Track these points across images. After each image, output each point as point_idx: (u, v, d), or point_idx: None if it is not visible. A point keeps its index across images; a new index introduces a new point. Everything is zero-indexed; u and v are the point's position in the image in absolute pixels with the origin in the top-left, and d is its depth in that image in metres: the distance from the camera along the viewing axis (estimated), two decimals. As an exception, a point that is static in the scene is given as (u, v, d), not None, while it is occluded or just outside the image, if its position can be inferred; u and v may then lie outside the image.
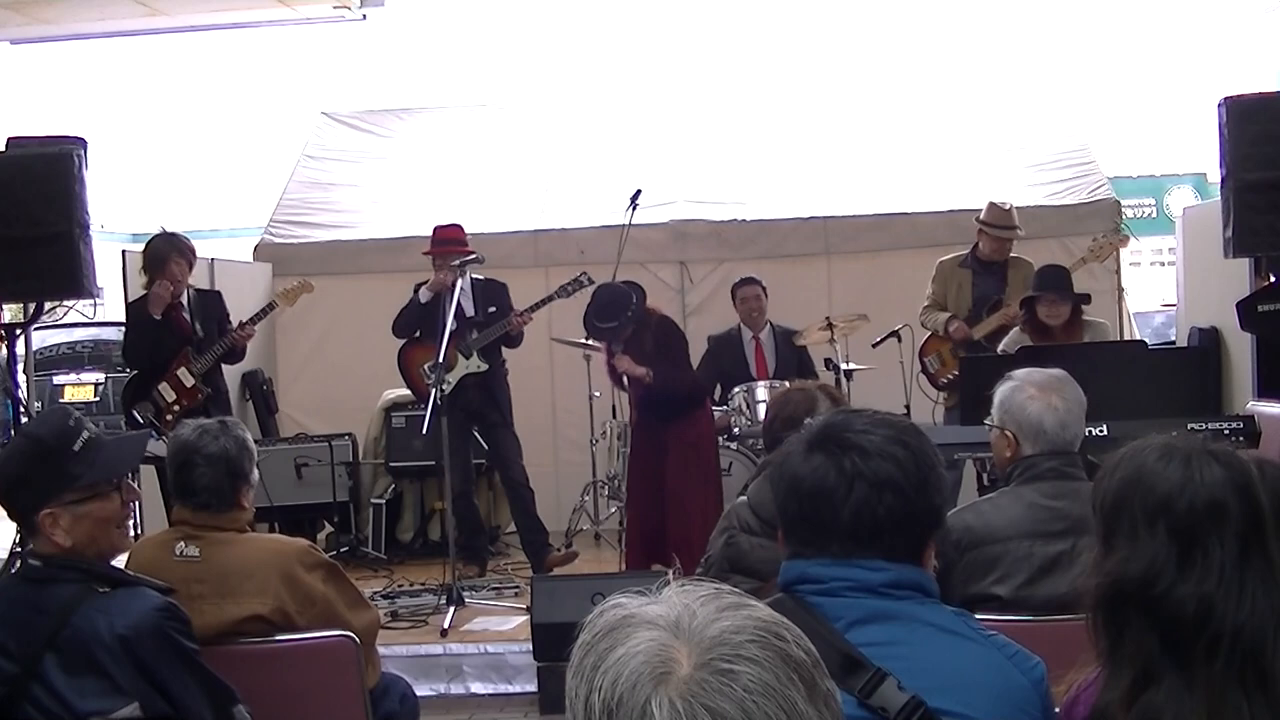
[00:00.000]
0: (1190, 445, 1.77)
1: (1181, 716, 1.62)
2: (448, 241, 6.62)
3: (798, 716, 1.00)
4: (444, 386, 6.27)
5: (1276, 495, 1.74)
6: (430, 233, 6.80)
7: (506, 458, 6.77)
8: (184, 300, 6.38)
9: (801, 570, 1.79)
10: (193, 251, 6.43)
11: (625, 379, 6.41)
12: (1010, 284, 6.56)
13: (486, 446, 6.96)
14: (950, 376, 6.65)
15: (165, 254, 6.26)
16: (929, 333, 6.83)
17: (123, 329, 7.00)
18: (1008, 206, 6.73)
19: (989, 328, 6.49)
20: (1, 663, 2.38)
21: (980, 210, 6.76)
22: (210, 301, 6.59)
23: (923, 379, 6.85)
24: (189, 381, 6.31)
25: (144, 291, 6.31)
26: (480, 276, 6.77)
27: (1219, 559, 1.66)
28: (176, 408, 6.22)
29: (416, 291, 6.67)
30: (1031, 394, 2.98)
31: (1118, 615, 1.71)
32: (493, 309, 6.70)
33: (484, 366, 6.65)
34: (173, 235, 6.46)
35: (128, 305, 6.50)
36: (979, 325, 6.56)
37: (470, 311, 6.67)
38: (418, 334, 6.68)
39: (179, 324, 6.37)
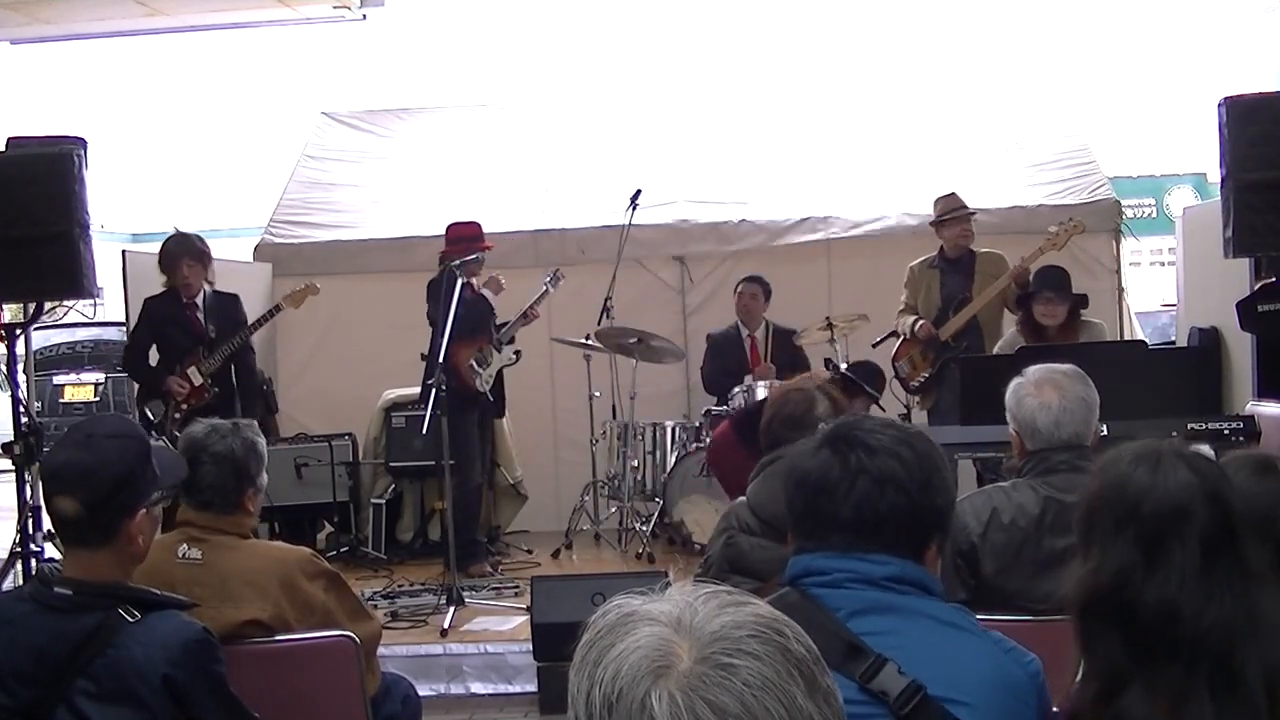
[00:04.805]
0: (1163, 448, 1.79)
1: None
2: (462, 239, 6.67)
3: (797, 711, 1.00)
4: (488, 380, 6.54)
5: (1252, 498, 1.73)
6: (444, 232, 6.85)
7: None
8: (199, 301, 6.45)
9: (807, 563, 1.86)
10: (206, 253, 6.45)
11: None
12: (979, 277, 6.55)
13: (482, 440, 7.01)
14: (921, 379, 6.65)
15: (176, 256, 6.36)
16: (901, 338, 6.83)
17: (123, 329, 7.00)
18: (949, 193, 6.76)
19: (955, 327, 6.48)
20: (17, 688, 2.36)
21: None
22: (226, 304, 6.61)
23: (896, 384, 6.84)
24: (197, 380, 6.37)
25: (163, 289, 6.42)
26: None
27: (1180, 562, 1.67)
28: (185, 406, 6.25)
29: (430, 289, 6.66)
30: (1029, 391, 2.97)
31: (1090, 622, 1.73)
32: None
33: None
34: (185, 236, 6.50)
35: (145, 300, 6.52)
36: (946, 325, 6.53)
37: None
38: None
39: (192, 324, 6.45)
